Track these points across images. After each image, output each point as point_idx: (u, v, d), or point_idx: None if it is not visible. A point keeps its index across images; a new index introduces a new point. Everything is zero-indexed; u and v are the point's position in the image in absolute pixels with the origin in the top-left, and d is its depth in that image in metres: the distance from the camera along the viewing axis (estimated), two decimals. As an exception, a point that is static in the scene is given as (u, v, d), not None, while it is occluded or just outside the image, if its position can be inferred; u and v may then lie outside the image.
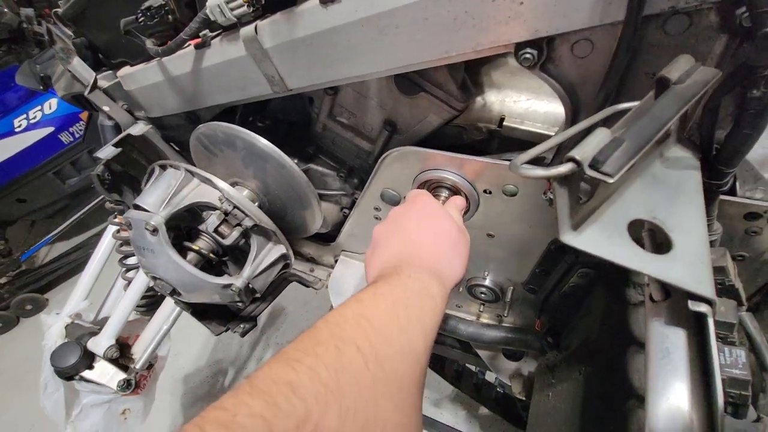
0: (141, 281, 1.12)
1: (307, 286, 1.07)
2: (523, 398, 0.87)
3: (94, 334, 1.08)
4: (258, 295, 0.83)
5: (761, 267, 0.61)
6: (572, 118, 0.55)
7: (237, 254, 0.89)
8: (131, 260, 1.08)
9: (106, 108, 0.91)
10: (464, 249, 0.56)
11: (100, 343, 1.04)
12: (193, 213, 0.81)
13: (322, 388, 0.33)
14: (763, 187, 0.57)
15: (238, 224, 0.77)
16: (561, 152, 0.62)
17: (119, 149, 0.86)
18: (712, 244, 0.54)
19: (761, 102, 0.39)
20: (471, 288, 0.90)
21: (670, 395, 0.35)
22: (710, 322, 0.34)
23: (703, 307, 0.34)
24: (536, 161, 0.36)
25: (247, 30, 0.63)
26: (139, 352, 1.11)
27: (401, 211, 0.59)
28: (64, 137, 2.46)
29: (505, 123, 0.73)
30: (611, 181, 0.30)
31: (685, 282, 0.34)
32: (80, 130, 2.47)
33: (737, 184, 0.57)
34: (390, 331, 0.40)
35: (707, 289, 0.34)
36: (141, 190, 0.86)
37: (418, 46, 0.53)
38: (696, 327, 0.36)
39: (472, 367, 1.43)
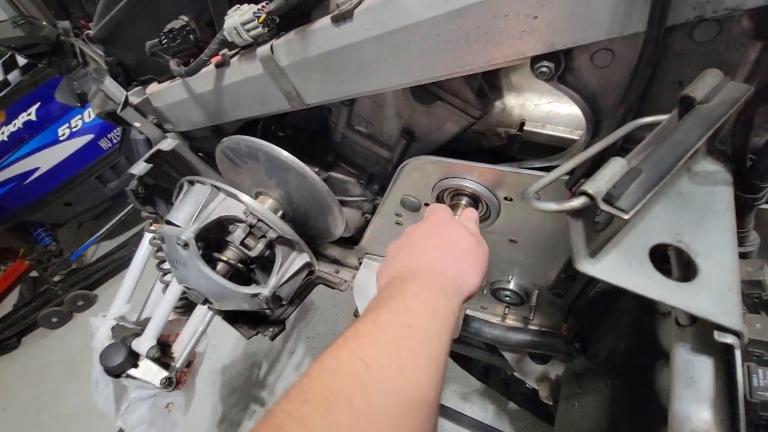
0: (177, 285, 1.18)
1: (333, 288, 1.09)
2: (550, 403, 0.86)
3: (137, 335, 1.15)
4: (284, 302, 0.86)
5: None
6: (594, 127, 0.53)
7: (264, 262, 0.92)
8: (167, 265, 1.14)
9: (137, 124, 0.96)
10: (480, 258, 0.53)
11: (143, 344, 1.11)
12: (221, 224, 0.84)
13: None
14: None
15: (263, 236, 0.79)
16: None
17: (150, 165, 0.90)
18: (748, 255, 0.51)
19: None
20: (495, 291, 0.90)
21: (694, 425, 0.34)
22: (737, 353, 0.33)
23: (729, 339, 0.33)
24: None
25: (263, 49, 0.64)
26: (179, 351, 1.18)
27: (414, 226, 0.59)
28: (104, 143, 2.60)
29: (525, 127, 0.71)
30: (626, 217, 0.29)
31: (710, 313, 0.33)
32: (117, 136, 2.59)
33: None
34: (389, 374, 0.36)
35: (734, 321, 0.33)
36: (172, 201, 0.91)
37: (431, 62, 0.52)
38: (723, 356, 0.35)
39: (500, 364, 1.42)
